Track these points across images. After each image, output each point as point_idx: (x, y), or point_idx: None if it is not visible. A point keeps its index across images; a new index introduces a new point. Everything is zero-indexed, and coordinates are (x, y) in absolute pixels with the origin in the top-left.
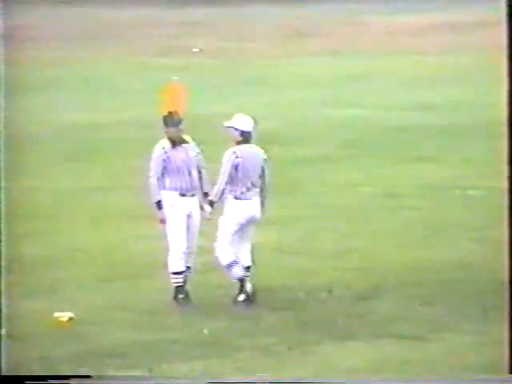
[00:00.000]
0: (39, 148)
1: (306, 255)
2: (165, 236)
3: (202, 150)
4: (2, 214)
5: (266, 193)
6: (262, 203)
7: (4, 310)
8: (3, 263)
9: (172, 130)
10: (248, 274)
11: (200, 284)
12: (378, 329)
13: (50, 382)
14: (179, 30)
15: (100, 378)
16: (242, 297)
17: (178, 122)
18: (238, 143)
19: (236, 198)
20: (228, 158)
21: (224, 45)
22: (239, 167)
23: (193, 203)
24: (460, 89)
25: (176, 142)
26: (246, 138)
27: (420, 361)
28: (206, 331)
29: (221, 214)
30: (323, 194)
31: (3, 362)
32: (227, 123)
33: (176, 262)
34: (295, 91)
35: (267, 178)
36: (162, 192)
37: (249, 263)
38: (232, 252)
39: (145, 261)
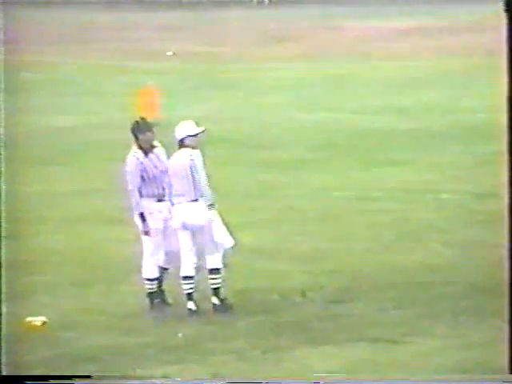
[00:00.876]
0: (13, 151)
1: (279, 258)
2: (139, 240)
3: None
4: None
5: (203, 194)
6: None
7: None
8: None
9: (145, 137)
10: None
11: (174, 288)
12: (352, 332)
13: (51, 382)
14: (154, 34)
15: (100, 378)
16: (190, 304)
17: (150, 127)
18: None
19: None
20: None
21: (198, 48)
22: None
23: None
24: (433, 93)
25: (147, 150)
26: (180, 144)
27: (393, 363)
28: (179, 335)
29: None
30: (296, 198)
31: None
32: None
33: (150, 269)
34: (269, 95)
35: (198, 179)
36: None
37: (212, 266)
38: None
39: (120, 265)
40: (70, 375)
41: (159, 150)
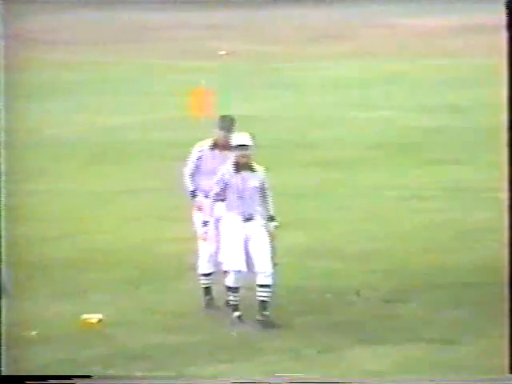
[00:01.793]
0: (65, 150)
1: (333, 257)
2: (193, 238)
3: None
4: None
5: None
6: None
7: (34, 313)
8: (32, 266)
9: (221, 134)
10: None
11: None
12: (407, 332)
13: (51, 381)
14: (205, 33)
15: (101, 378)
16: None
17: (230, 128)
18: None
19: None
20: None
21: (250, 47)
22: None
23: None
24: (487, 91)
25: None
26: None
27: (447, 364)
28: (233, 333)
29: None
30: (350, 197)
31: (3, 363)
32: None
33: (204, 264)
34: (321, 94)
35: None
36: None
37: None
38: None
39: (173, 263)
40: (70, 375)
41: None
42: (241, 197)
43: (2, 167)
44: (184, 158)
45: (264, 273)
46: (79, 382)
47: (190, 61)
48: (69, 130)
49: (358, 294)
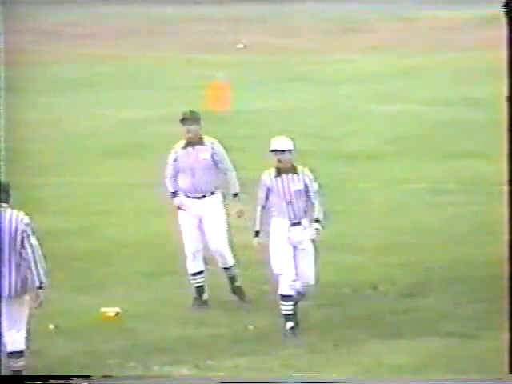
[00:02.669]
0: (84, 144)
1: (351, 251)
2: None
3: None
4: (48, 210)
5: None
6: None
7: (53, 305)
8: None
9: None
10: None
11: (245, 279)
12: (425, 326)
13: (51, 381)
14: (224, 27)
15: (101, 378)
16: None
17: (192, 121)
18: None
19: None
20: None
21: (269, 41)
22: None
23: (203, 205)
24: (504, 84)
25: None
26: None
27: (468, 358)
28: (251, 327)
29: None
30: (369, 190)
31: (2, 363)
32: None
33: (190, 264)
34: (341, 87)
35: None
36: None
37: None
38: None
39: None
40: (70, 375)
41: (205, 148)
42: (286, 201)
43: (27, 161)
44: None
45: (304, 284)
46: (79, 382)
47: (208, 55)
48: (87, 123)
49: (375, 288)
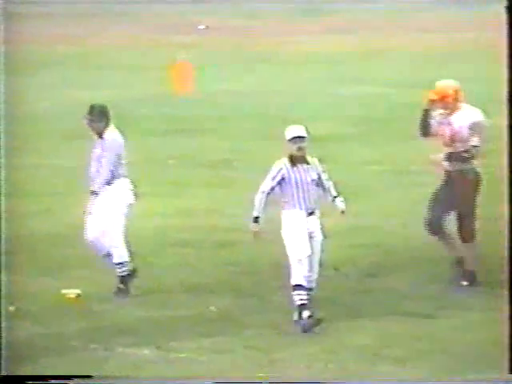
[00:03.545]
0: (47, 125)
1: None
2: (174, 214)
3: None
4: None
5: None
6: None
7: (13, 288)
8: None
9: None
10: None
11: (208, 260)
12: (386, 306)
13: (51, 381)
14: (186, 7)
15: (101, 378)
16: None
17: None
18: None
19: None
20: None
21: (231, 22)
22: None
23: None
24: (470, 66)
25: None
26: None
27: (428, 338)
28: (213, 308)
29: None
30: (333, 172)
31: (2, 361)
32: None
33: (117, 253)
34: (304, 69)
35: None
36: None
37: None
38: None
39: (154, 239)
40: (70, 375)
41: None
42: (303, 191)
43: None
44: (167, 134)
45: (310, 276)
46: (79, 382)
47: (171, 35)
48: (47, 104)
49: (336, 269)
